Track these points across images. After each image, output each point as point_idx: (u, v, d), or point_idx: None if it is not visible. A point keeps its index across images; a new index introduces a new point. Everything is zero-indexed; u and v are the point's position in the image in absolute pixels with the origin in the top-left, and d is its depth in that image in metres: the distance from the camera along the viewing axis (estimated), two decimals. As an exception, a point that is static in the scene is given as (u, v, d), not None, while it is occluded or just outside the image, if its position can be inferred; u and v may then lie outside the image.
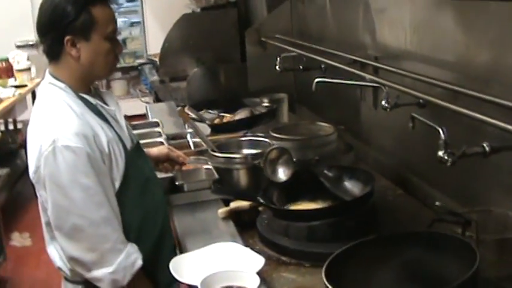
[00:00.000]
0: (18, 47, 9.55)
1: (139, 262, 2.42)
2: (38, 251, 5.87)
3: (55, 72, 2.46)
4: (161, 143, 3.58)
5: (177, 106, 4.98)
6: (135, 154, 2.55)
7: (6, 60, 7.93)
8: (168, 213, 2.77)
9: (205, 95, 5.39)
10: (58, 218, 2.35)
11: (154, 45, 9.02)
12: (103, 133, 2.39)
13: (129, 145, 2.52)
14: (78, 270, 2.42)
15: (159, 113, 4.99)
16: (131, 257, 2.40)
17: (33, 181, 2.40)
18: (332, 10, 4.14)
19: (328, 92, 3.91)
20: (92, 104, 2.45)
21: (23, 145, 7.64)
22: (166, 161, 3.01)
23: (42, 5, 2.44)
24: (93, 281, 2.43)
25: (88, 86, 2.52)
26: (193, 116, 4.02)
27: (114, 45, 2.46)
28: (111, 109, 2.54)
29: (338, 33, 4.06)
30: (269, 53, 4.81)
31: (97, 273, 2.38)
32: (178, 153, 3.02)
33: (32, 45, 9.81)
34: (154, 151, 3.00)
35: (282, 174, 2.84)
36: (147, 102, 6.29)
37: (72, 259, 2.40)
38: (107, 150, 2.38)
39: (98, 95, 2.57)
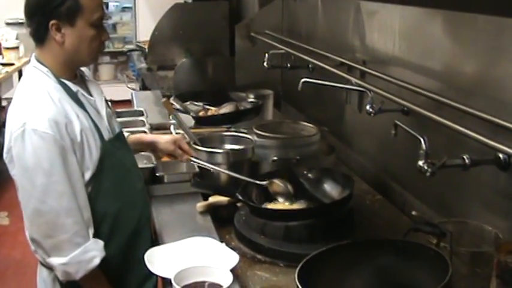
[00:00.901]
0: (8, 24, 9.51)
1: (96, 261, 2.38)
2: (15, 231, 5.87)
3: (40, 56, 2.45)
4: (144, 132, 3.58)
5: (163, 95, 4.98)
6: (113, 145, 2.53)
7: (-5, 37, 7.92)
8: (148, 207, 2.76)
9: (191, 86, 5.39)
10: (22, 199, 2.36)
11: (144, 32, 9.00)
12: (77, 121, 2.37)
13: (106, 135, 2.50)
14: (39, 252, 2.41)
15: (145, 101, 4.99)
16: (88, 254, 2.37)
17: (6, 161, 2.40)
18: (323, 10, 4.15)
19: (314, 92, 3.93)
20: (72, 90, 2.44)
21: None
22: (171, 156, 3.04)
23: None
24: (51, 267, 2.43)
25: (72, 72, 2.50)
26: (178, 107, 4.01)
27: (100, 32, 2.44)
28: (91, 98, 2.52)
29: (328, 34, 4.07)
30: (258, 48, 4.83)
31: (52, 260, 2.37)
32: (184, 147, 3.01)
33: (21, 24, 9.73)
34: (161, 145, 3.01)
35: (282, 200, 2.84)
36: (133, 89, 6.28)
37: (33, 241, 2.40)
38: (79, 138, 2.36)
39: (83, 83, 2.56)
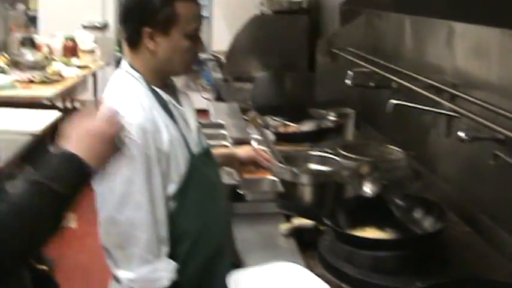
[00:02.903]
0: (85, 27, 9.61)
1: (163, 282, 2.27)
2: (83, 235, 5.87)
3: (132, 61, 2.39)
4: (225, 147, 3.51)
5: (242, 109, 4.92)
6: (201, 159, 2.45)
7: (73, 39, 7.99)
8: (231, 226, 2.67)
9: (269, 100, 5.31)
10: (98, 204, 2.29)
11: (218, 42, 9.01)
12: (166, 131, 2.30)
13: (195, 149, 2.42)
14: (109, 263, 2.33)
15: (221, 114, 4.93)
16: (157, 273, 2.27)
17: None
18: (411, 29, 4.03)
19: (396, 113, 3.80)
20: (162, 99, 2.37)
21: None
22: (252, 164, 2.93)
23: None
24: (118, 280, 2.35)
25: (163, 81, 2.43)
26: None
27: (195, 43, 2.37)
28: (182, 109, 2.45)
29: (414, 54, 3.95)
30: (338, 65, 4.73)
31: (119, 273, 2.28)
32: (264, 156, 2.92)
33: (98, 27, 9.90)
34: (240, 153, 2.93)
35: (369, 190, 2.75)
36: (207, 99, 6.26)
37: (104, 249, 2.32)
38: (166, 149, 2.28)
39: (174, 93, 2.49)
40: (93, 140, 1.80)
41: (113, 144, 1.88)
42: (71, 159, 1.74)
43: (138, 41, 2.33)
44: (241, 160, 2.92)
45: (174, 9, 2.28)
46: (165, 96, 2.38)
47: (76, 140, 1.78)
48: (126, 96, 2.31)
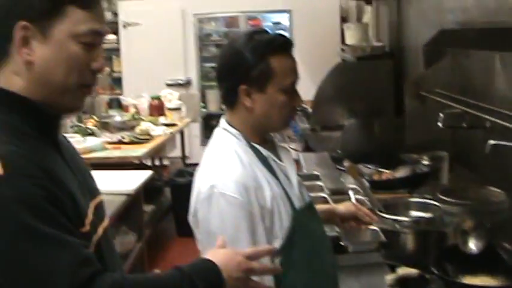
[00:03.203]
0: (168, 85, 9.79)
1: None
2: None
3: (230, 119, 2.41)
4: (323, 198, 3.48)
5: (333, 158, 4.88)
6: (305, 214, 2.42)
7: (159, 98, 8.14)
8: (337, 279, 2.60)
9: (359, 147, 5.24)
10: None
11: (302, 92, 8.94)
12: (268, 187, 2.29)
13: (298, 204, 2.39)
14: None
15: (312, 164, 4.89)
16: None
17: (192, 225, 2.35)
18: (501, 65, 3.94)
19: (492, 152, 3.71)
20: (262, 155, 2.37)
21: (168, 183, 7.77)
22: (353, 220, 2.87)
23: (223, 50, 2.44)
24: None
25: (262, 137, 2.44)
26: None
27: (292, 97, 2.37)
28: (282, 164, 2.44)
29: (507, 91, 3.86)
30: (428, 107, 4.66)
31: None
32: (365, 211, 2.85)
33: (181, 85, 10.07)
34: (341, 208, 2.84)
35: (474, 246, 2.66)
36: (296, 150, 6.23)
37: None
38: (269, 205, 2.27)
39: (273, 148, 2.49)
40: (239, 272, 1.90)
41: (249, 283, 1.95)
42: (216, 271, 1.85)
43: (235, 99, 2.35)
44: (342, 216, 2.83)
45: (269, 65, 2.29)
46: (264, 152, 2.38)
47: (226, 263, 1.88)
48: (225, 153, 2.32)
